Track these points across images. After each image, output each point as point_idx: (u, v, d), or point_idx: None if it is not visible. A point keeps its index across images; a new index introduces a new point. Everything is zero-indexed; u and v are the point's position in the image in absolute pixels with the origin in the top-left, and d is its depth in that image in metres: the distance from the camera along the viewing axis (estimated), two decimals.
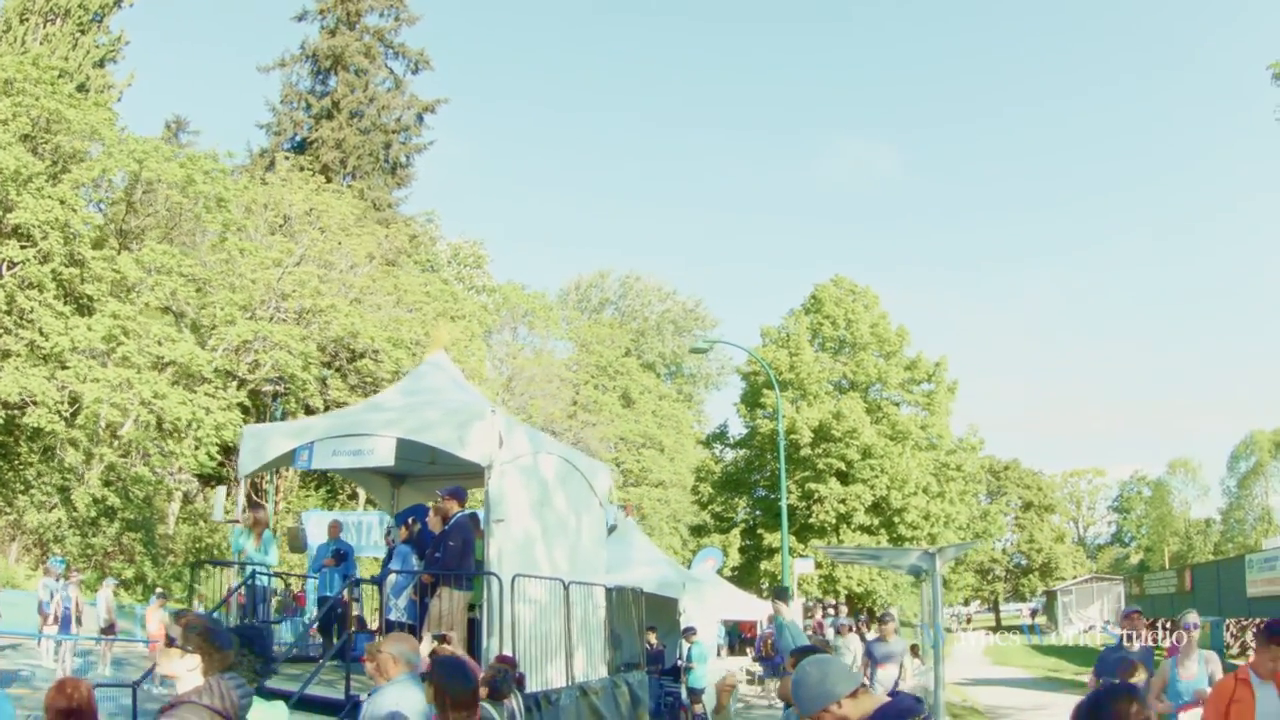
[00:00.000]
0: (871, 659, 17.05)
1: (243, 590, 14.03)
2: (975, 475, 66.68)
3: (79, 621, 23.55)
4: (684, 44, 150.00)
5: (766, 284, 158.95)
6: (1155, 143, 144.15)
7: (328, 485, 47.07)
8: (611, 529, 18.49)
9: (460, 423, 12.21)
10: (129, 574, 34.49)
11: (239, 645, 4.93)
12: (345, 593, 15.71)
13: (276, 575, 14.87)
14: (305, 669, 12.31)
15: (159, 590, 29.12)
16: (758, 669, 30.69)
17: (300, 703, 11.02)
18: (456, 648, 9.32)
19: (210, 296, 38.58)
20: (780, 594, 11.86)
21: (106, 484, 35.46)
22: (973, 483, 65.77)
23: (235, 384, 38.04)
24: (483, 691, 7.68)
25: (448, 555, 12.11)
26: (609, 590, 15.67)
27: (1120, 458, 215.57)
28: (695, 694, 21.55)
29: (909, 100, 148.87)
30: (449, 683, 5.25)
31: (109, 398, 32.67)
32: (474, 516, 12.87)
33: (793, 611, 12.93)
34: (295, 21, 57.93)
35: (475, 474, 12.73)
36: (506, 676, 8.33)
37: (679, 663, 22.25)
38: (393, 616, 12.73)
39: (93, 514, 34.39)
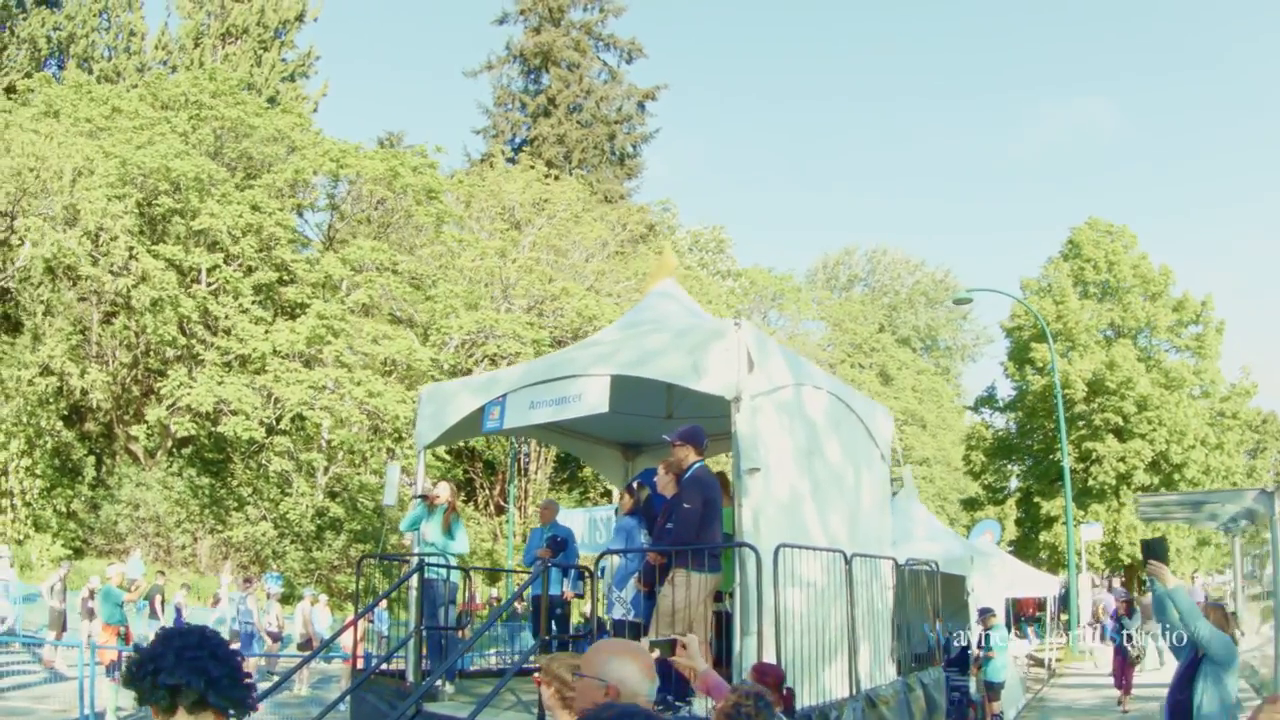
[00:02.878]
0: None
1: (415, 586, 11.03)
2: (1252, 422, 60.62)
3: (273, 638, 21.37)
4: (897, 17, 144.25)
5: (1006, 249, 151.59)
6: None
7: (580, 485, 45.23)
8: (895, 492, 15.24)
9: (694, 345, 8.83)
10: (358, 586, 33.24)
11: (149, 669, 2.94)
12: (564, 589, 12.68)
13: (460, 569, 11.75)
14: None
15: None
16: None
17: None
18: (695, 657, 5.86)
19: (430, 291, 37.31)
20: (1156, 549, 7.97)
21: (332, 495, 34.30)
22: (1250, 431, 59.78)
23: None
24: None
25: (682, 524, 8.62)
26: (900, 567, 12.15)
27: None
28: (993, 689, 17.78)
29: (1118, 52, 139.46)
30: None
31: (315, 400, 31.40)
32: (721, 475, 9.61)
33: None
34: (496, 25, 59.18)
35: (729, 431, 9.04)
36: (761, 705, 4.90)
37: (974, 651, 18.53)
38: (616, 614, 9.48)
39: (313, 526, 33.12)
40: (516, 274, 39.30)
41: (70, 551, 30.34)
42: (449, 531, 11.05)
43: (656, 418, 12.55)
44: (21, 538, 29.39)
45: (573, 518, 19.68)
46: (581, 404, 9.44)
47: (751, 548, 8.15)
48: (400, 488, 11.44)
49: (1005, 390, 56.26)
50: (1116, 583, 42.41)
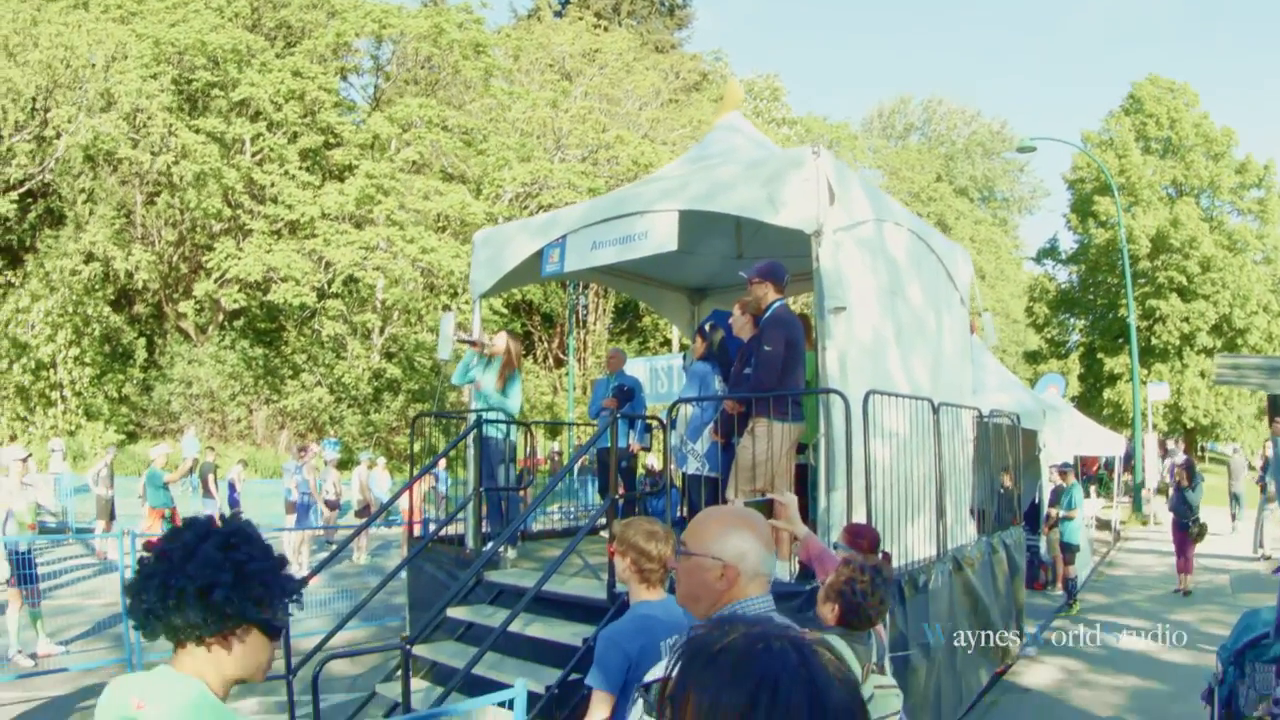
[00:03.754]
0: None
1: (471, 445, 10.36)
2: None
3: (331, 506, 20.88)
4: None
5: (1061, 105, 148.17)
6: None
7: (639, 335, 44.85)
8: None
9: (769, 177, 8.05)
10: (416, 448, 33.29)
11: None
12: (630, 441, 12.01)
13: (520, 423, 11.09)
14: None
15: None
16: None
17: (540, 601, 8.10)
18: (795, 520, 5.23)
19: (481, 146, 36.80)
20: None
21: (388, 356, 34.06)
22: None
23: None
24: (827, 612, 4.16)
25: (763, 368, 7.87)
26: (983, 418, 11.43)
27: None
28: (1069, 551, 16.80)
29: None
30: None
31: (367, 260, 31.07)
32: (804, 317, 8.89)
33: None
34: None
35: (804, 271, 8.40)
36: (878, 581, 4.16)
37: (1048, 510, 17.74)
38: (690, 468, 8.74)
39: (370, 389, 32.91)
40: (569, 124, 39.02)
41: (123, 437, 30.24)
42: (505, 388, 10.38)
43: (726, 258, 11.83)
44: (73, 428, 29.29)
45: (634, 367, 18.89)
46: (648, 242, 8.75)
47: (840, 394, 7.45)
48: (455, 343, 10.68)
49: (1068, 243, 55.26)
50: (1172, 445, 41.19)
